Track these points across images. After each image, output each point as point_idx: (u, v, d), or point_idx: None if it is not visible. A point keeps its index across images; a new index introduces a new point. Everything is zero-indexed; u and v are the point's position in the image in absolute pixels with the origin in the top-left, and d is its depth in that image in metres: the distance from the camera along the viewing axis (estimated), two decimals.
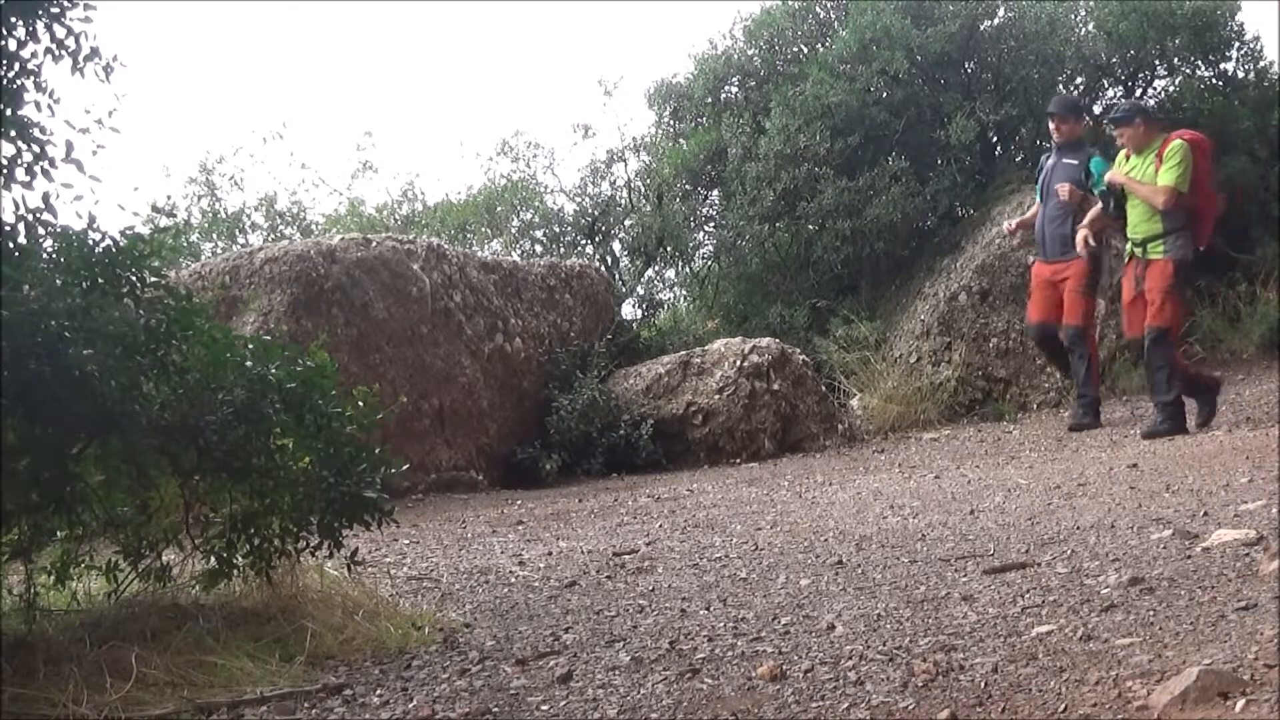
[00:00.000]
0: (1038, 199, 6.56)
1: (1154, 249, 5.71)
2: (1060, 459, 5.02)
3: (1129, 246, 5.88)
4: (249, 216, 10.29)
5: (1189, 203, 5.70)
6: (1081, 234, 6.09)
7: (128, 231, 2.35)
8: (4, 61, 2.22)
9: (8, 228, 2.22)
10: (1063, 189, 6.22)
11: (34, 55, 2.27)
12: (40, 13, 2.26)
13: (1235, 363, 7.69)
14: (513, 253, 9.54)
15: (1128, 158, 5.89)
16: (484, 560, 3.66)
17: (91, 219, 2.30)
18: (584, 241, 9.61)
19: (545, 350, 7.09)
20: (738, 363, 6.85)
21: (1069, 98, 6.61)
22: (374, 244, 6.26)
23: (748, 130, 8.66)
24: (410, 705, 2.08)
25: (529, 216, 9.85)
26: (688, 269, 9.98)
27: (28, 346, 2.08)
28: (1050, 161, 6.44)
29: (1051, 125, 6.44)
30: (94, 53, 2.34)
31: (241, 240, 9.95)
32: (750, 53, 9.46)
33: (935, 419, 7.20)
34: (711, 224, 9.63)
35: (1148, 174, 5.73)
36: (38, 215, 2.25)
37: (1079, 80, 9.18)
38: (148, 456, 2.40)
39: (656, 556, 3.47)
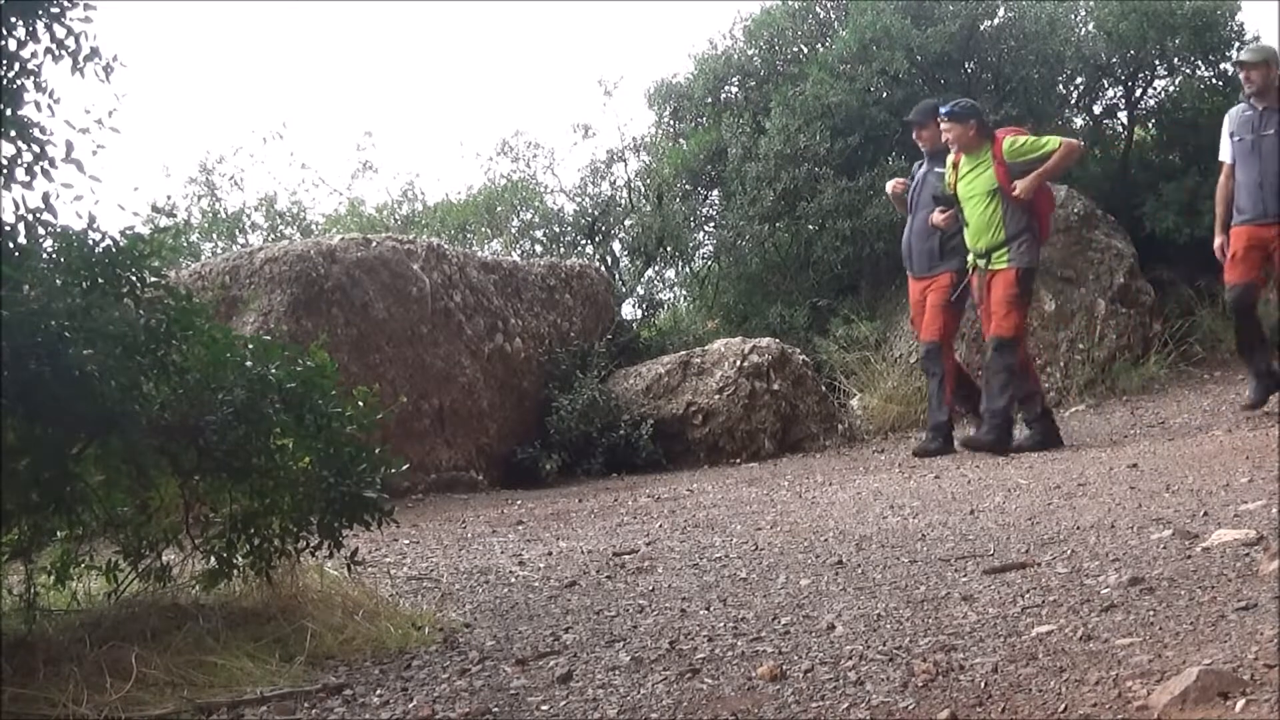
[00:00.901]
0: (908, 212, 6.17)
1: (998, 259, 5.61)
2: (1060, 459, 5.02)
3: (971, 258, 5.73)
4: (249, 216, 10.29)
5: (1030, 204, 5.60)
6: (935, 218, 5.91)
7: (128, 231, 2.34)
8: (4, 61, 2.22)
9: (8, 228, 2.22)
10: (935, 218, 5.91)
11: (34, 55, 2.27)
12: (40, 13, 2.25)
13: (1235, 363, 7.69)
14: (513, 253, 9.54)
15: (956, 163, 5.76)
16: (484, 560, 3.66)
17: (91, 219, 2.31)
18: (584, 241, 9.61)
19: (545, 350, 7.09)
20: (738, 363, 6.85)
21: (927, 103, 6.27)
22: (374, 244, 6.26)
23: (748, 130, 8.66)
24: (410, 705, 2.08)
25: (529, 216, 9.85)
26: (688, 269, 9.99)
27: (28, 346, 2.08)
28: (921, 170, 6.15)
29: (915, 135, 6.18)
30: (94, 53, 2.34)
31: (241, 240, 9.95)
32: (750, 53, 9.46)
33: None
34: (711, 224, 9.63)
35: (983, 176, 5.63)
36: (38, 215, 2.25)
37: (1079, 80, 9.19)
38: (148, 456, 2.40)
39: (656, 556, 3.47)
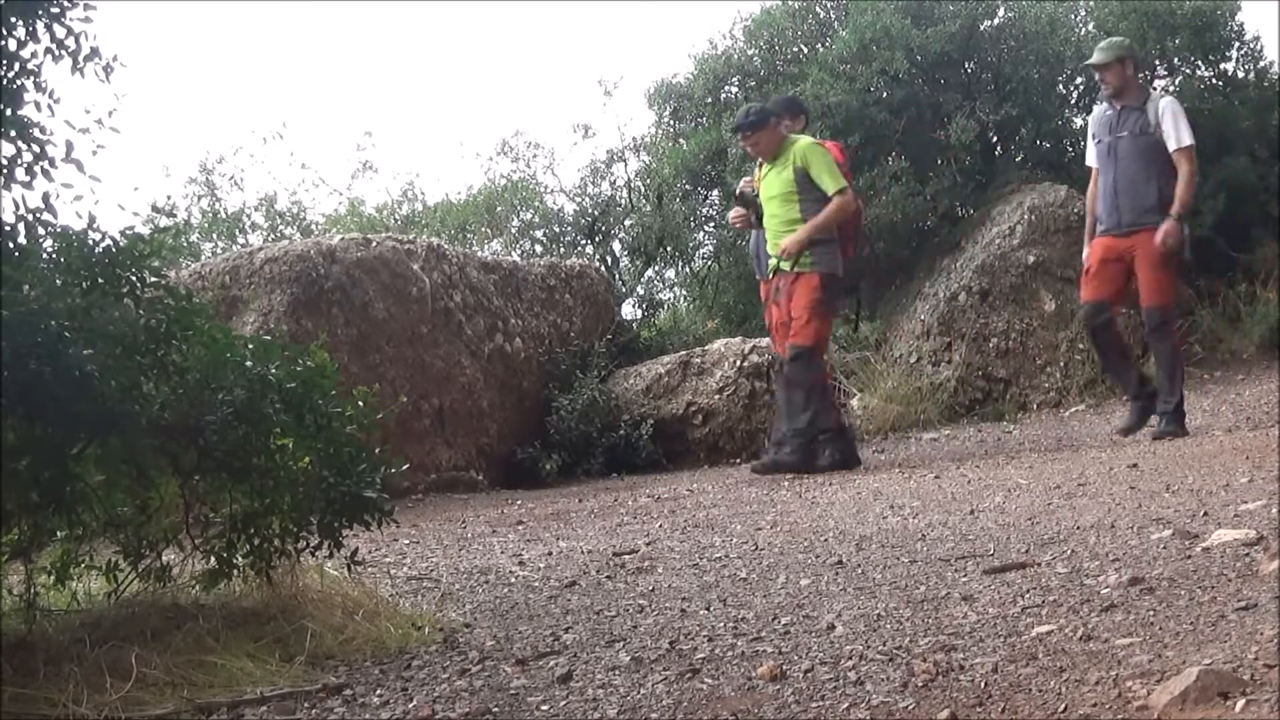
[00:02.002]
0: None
1: (802, 262, 5.36)
2: (1060, 459, 5.02)
3: (772, 261, 5.52)
4: (249, 216, 10.31)
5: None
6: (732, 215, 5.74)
7: (128, 231, 2.34)
8: (4, 61, 2.22)
9: (8, 228, 2.22)
10: (731, 216, 5.70)
11: (34, 55, 2.27)
12: (40, 13, 2.25)
13: (1235, 363, 7.70)
14: (513, 253, 9.55)
15: (761, 166, 5.60)
16: (484, 560, 3.66)
17: (91, 219, 2.31)
18: (584, 241, 9.62)
19: (545, 350, 7.09)
20: (738, 363, 6.85)
21: (785, 97, 6.14)
22: (374, 244, 6.26)
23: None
24: (410, 705, 2.08)
25: (529, 216, 9.86)
26: (688, 269, 9.99)
27: (28, 346, 2.08)
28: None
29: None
30: (94, 53, 2.34)
31: (241, 240, 9.96)
32: (750, 53, 9.46)
33: (935, 419, 7.20)
34: (711, 224, 9.63)
35: (781, 177, 5.41)
36: (38, 215, 2.25)
37: (1079, 80, 9.19)
38: (148, 456, 2.40)
39: (656, 556, 3.47)
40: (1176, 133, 5.46)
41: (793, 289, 5.38)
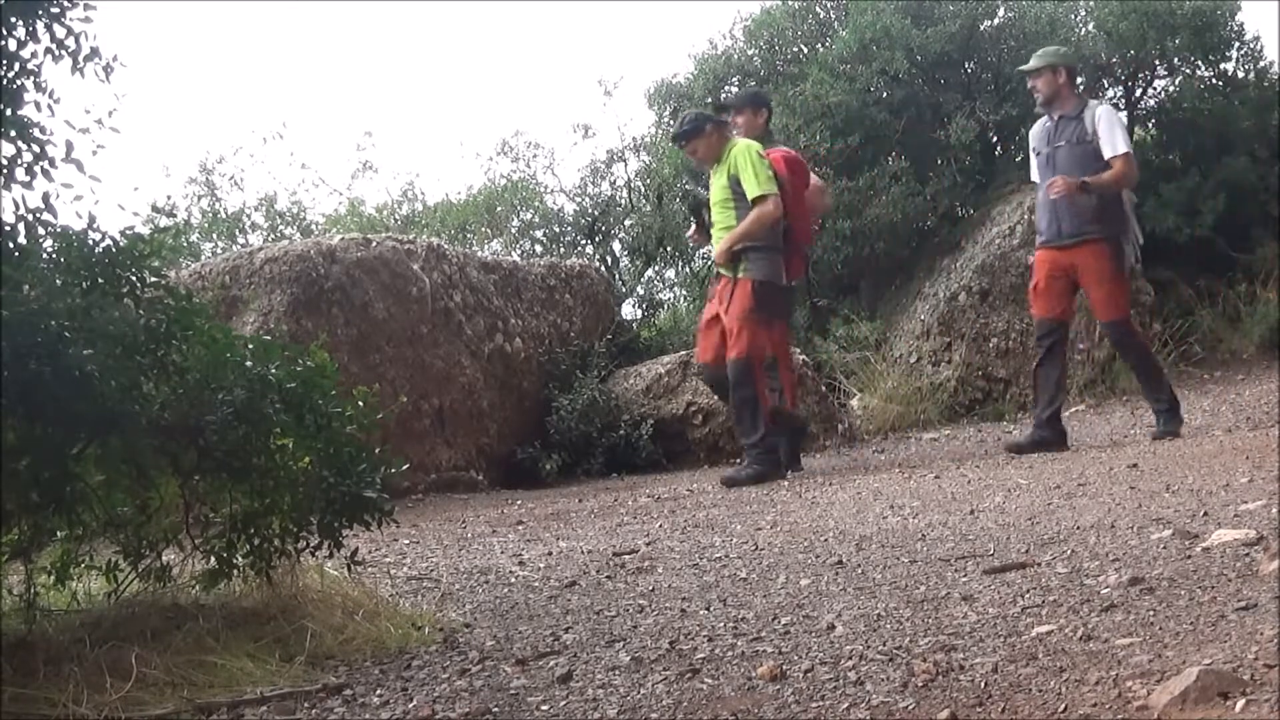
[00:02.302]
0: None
1: (738, 268, 5.25)
2: (1060, 459, 5.02)
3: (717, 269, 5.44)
4: (249, 216, 10.31)
5: (785, 221, 5.27)
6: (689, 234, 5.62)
7: (128, 231, 2.34)
8: (4, 61, 2.22)
9: (8, 228, 2.22)
10: (689, 232, 5.57)
11: (34, 55, 2.27)
12: (40, 13, 2.25)
13: (1235, 363, 7.70)
14: (513, 253, 9.55)
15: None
16: (484, 560, 3.66)
17: (91, 219, 2.30)
18: (584, 241, 9.62)
19: (545, 350, 7.09)
20: None
21: (748, 91, 6.04)
22: (374, 244, 6.26)
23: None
24: (410, 705, 2.08)
25: (529, 216, 9.86)
26: (688, 269, 9.99)
27: (28, 346, 2.08)
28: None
29: (730, 121, 5.84)
30: (94, 53, 2.34)
31: (241, 240, 9.96)
32: (750, 53, 9.46)
33: (935, 419, 7.21)
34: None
35: (722, 185, 5.32)
36: (38, 215, 2.25)
37: (1079, 80, 9.17)
38: (148, 456, 2.40)
39: (656, 556, 3.47)
40: (1112, 140, 5.36)
41: (731, 296, 5.29)
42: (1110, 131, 5.38)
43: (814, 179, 5.91)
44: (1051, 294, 5.52)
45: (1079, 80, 5.70)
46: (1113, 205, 5.40)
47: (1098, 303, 5.51)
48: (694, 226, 5.73)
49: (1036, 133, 5.64)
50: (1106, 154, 5.35)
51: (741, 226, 5.24)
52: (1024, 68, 5.66)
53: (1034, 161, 5.66)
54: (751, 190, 5.23)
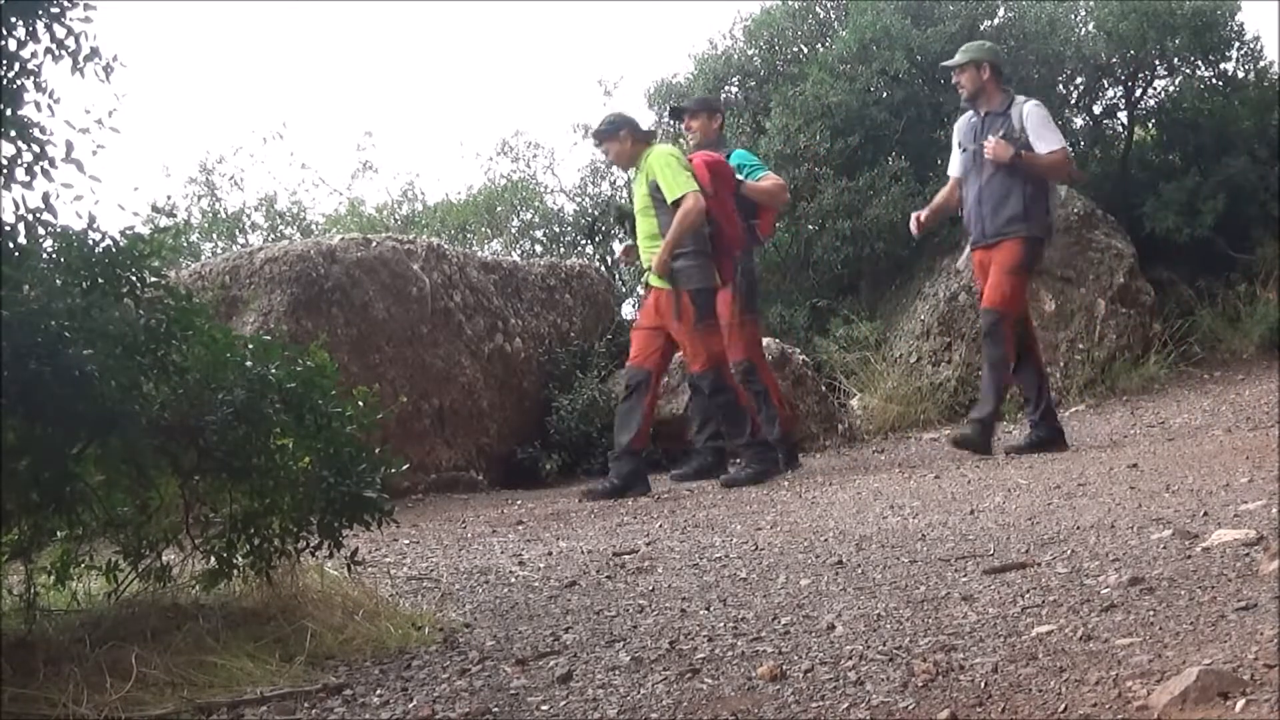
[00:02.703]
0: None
1: (668, 279, 5.15)
2: (1060, 459, 5.02)
3: (645, 277, 5.36)
4: (249, 216, 10.31)
5: (711, 226, 5.17)
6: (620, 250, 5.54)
7: (128, 231, 2.34)
8: (4, 61, 2.22)
9: (8, 228, 2.22)
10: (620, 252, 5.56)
11: (34, 55, 2.27)
12: (40, 13, 2.25)
13: (1235, 363, 7.70)
14: (513, 253, 9.55)
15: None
16: (484, 560, 3.66)
17: (91, 219, 2.30)
18: (584, 241, 9.62)
19: (545, 350, 7.09)
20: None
21: (701, 97, 5.98)
22: (374, 244, 6.26)
23: (748, 130, 8.66)
24: (410, 705, 2.08)
25: (529, 216, 9.87)
26: None
27: (28, 346, 2.08)
28: None
29: (684, 126, 5.87)
30: (94, 53, 2.34)
31: (241, 240, 9.96)
32: (750, 53, 9.46)
33: (935, 419, 7.21)
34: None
35: (642, 193, 5.28)
36: (38, 215, 2.24)
37: (1079, 80, 9.19)
38: (148, 456, 2.40)
39: (656, 556, 3.47)
40: (1044, 136, 5.30)
41: (673, 309, 5.17)
42: (1041, 128, 5.32)
43: (770, 175, 5.85)
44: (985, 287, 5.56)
45: (1002, 79, 5.57)
46: (1036, 204, 5.34)
47: (990, 286, 5.39)
48: (629, 246, 5.69)
49: (962, 127, 5.58)
50: (1040, 150, 5.29)
51: (670, 234, 5.11)
52: (947, 63, 5.61)
53: (957, 156, 5.59)
54: (670, 192, 5.12)
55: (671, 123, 9.68)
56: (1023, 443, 5.47)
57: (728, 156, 5.68)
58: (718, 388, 5.24)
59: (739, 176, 5.60)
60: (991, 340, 5.43)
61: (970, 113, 5.53)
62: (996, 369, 5.43)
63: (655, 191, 5.21)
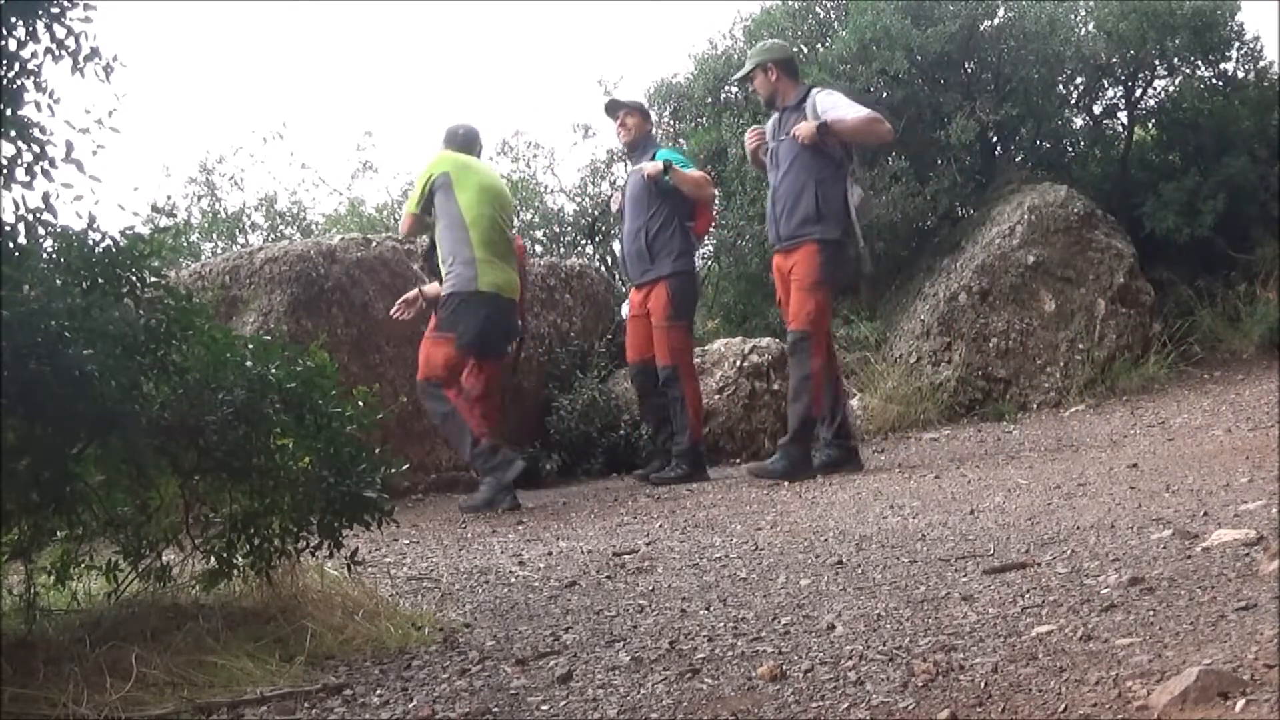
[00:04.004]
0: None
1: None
2: (1060, 459, 5.02)
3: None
4: (249, 216, 10.30)
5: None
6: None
7: (128, 231, 2.34)
8: (4, 61, 2.22)
9: (8, 228, 2.22)
10: (648, 166, 5.58)
11: (34, 55, 2.27)
12: (40, 13, 2.25)
13: (1235, 363, 7.70)
14: None
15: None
16: (484, 560, 3.66)
17: (91, 219, 2.30)
18: (584, 241, 9.62)
19: (545, 350, 7.09)
20: (738, 363, 6.85)
21: (635, 101, 6.09)
22: (374, 244, 6.27)
23: (748, 130, 8.65)
24: (410, 705, 2.08)
25: (529, 216, 9.85)
26: None
27: (28, 346, 2.08)
28: (628, 173, 5.97)
29: (617, 124, 5.95)
30: (94, 53, 2.34)
31: (241, 240, 9.96)
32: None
33: (935, 419, 7.20)
34: (712, 223, 9.63)
35: None
36: (38, 215, 2.25)
37: (1079, 80, 9.19)
38: (148, 456, 2.40)
39: (656, 556, 3.47)
40: (836, 110, 5.10)
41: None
42: (835, 106, 5.16)
43: (693, 170, 5.90)
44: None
45: (791, 73, 5.40)
46: (832, 206, 5.18)
47: (793, 305, 5.21)
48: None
49: (769, 128, 5.51)
50: (833, 118, 5.08)
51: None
52: (736, 75, 5.52)
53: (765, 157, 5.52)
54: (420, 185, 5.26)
55: (674, 122, 9.69)
56: (809, 465, 5.25)
57: (653, 156, 5.77)
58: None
59: (670, 162, 5.69)
60: (794, 360, 5.24)
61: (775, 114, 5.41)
62: (797, 389, 5.19)
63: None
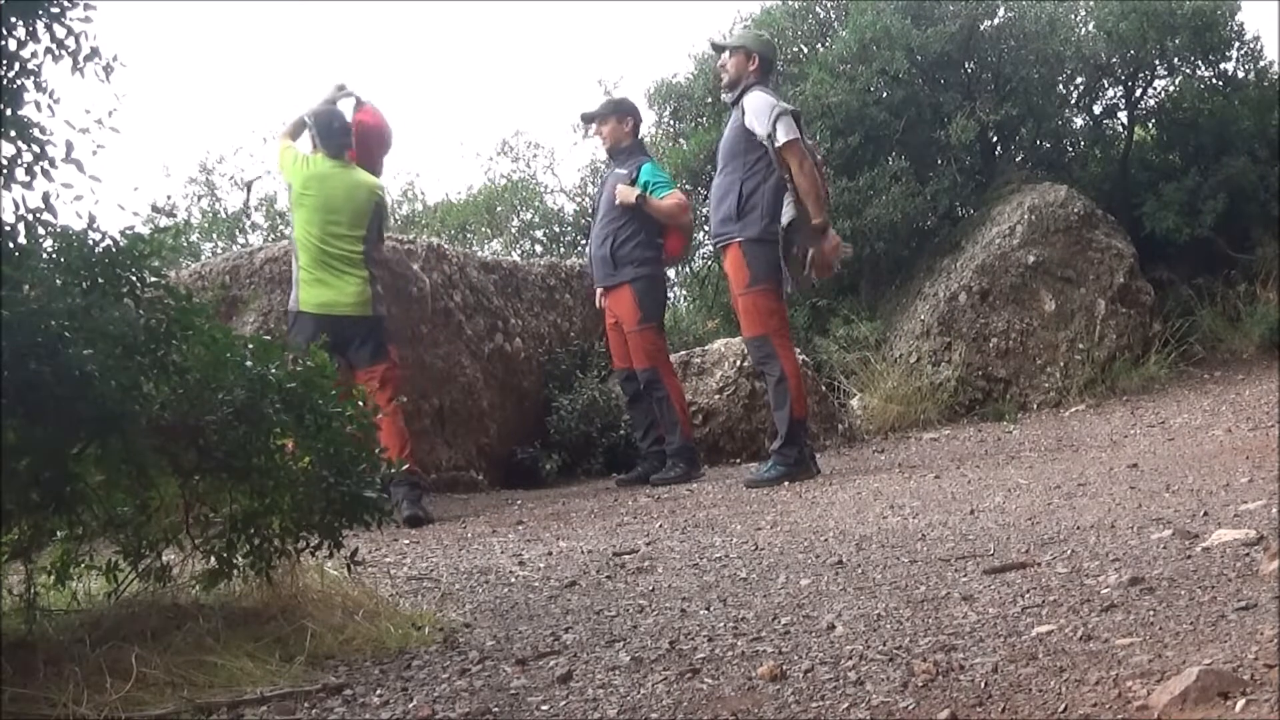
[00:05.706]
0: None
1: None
2: (1060, 459, 5.02)
3: None
4: (249, 216, 10.29)
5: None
6: None
7: (128, 231, 2.34)
8: (4, 61, 2.22)
9: (8, 228, 2.22)
10: (623, 191, 5.54)
11: (34, 55, 2.27)
12: (40, 13, 2.25)
13: (1235, 363, 7.70)
14: (513, 253, 9.54)
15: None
16: (484, 560, 3.66)
17: (91, 219, 2.30)
18: (584, 241, 9.61)
19: (545, 350, 7.08)
20: (738, 363, 6.85)
21: (612, 99, 5.95)
22: None
23: None
24: (410, 705, 2.08)
25: (529, 216, 9.85)
26: (688, 269, 9.99)
27: (28, 346, 2.07)
28: (608, 173, 5.89)
29: (593, 132, 5.90)
30: (94, 53, 2.34)
31: (241, 240, 9.95)
32: None
33: (935, 419, 7.20)
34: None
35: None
36: (38, 215, 2.24)
37: (1079, 80, 9.18)
38: (148, 456, 2.39)
39: (656, 556, 3.47)
40: (760, 125, 4.88)
41: None
42: (755, 115, 4.94)
43: (674, 194, 5.74)
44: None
45: (755, 61, 5.21)
46: (752, 203, 5.01)
47: (741, 316, 5.17)
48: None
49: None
50: (763, 135, 4.88)
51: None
52: (723, 42, 5.36)
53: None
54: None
55: (674, 122, 9.69)
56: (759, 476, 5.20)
57: (638, 169, 5.66)
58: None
59: (644, 193, 5.58)
60: (766, 365, 5.22)
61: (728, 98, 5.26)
62: (781, 389, 5.13)
63: None
